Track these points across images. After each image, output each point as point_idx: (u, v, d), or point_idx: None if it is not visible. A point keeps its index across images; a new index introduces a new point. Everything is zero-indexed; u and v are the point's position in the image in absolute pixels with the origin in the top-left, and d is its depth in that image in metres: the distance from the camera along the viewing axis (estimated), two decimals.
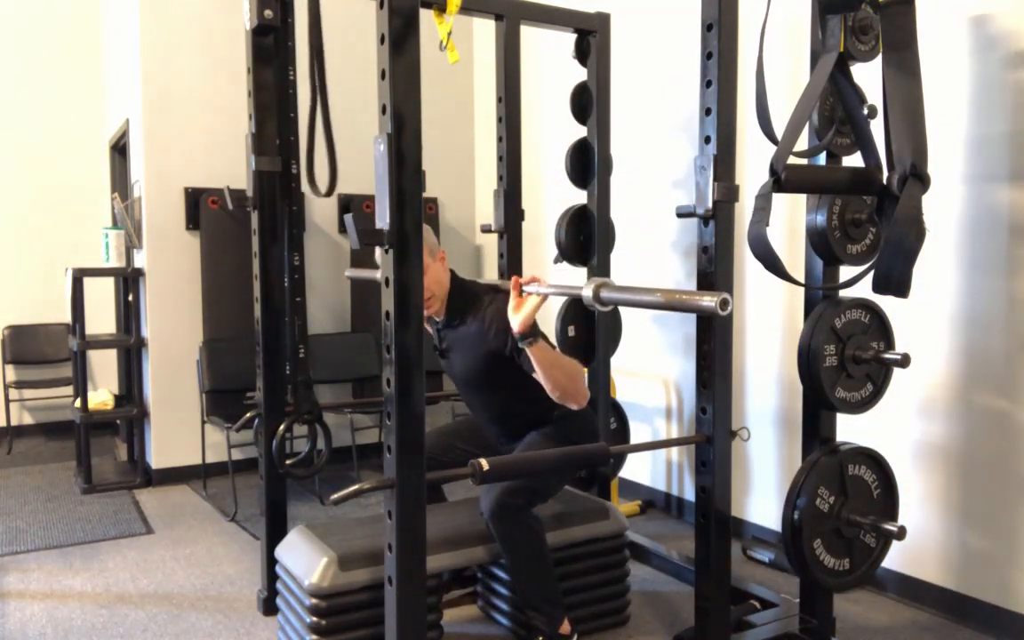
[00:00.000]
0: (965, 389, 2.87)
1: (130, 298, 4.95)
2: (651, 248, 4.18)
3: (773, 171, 2.06)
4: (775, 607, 2.80)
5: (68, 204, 6.24)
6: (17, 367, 6.14)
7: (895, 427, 3.07)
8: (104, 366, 6.29)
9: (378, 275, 2.08)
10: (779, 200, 3.35)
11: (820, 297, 2.48)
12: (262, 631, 2.89)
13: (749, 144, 3.51)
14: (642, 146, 4.23)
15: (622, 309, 3.80)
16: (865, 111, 2.24)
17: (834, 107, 2.42)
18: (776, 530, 3.52)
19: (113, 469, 5.12)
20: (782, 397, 3.55)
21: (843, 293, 2.43)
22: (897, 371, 2.52)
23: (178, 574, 3.41)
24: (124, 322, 5.58)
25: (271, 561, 2.87)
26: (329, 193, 2.53)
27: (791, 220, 3.40)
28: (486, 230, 3.61)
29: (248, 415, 3.08)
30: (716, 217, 2.33)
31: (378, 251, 2.27)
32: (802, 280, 2.56)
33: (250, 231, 3.06)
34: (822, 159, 2.50)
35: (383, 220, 1.99)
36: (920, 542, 3.00)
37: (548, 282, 2.33)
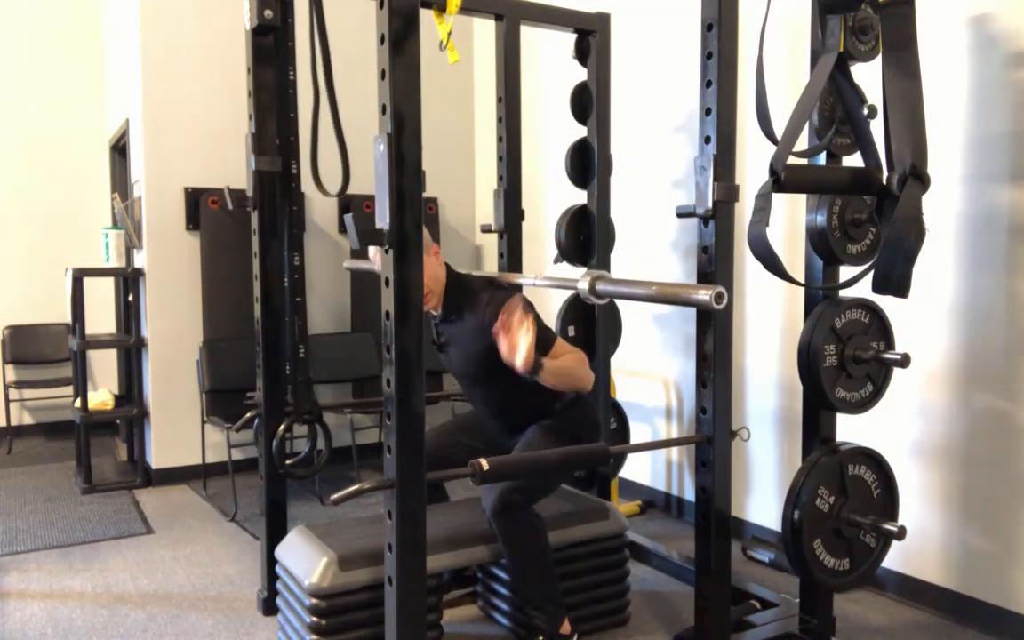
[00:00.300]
0: (965, 389, 2.87)
1: (130, 298, 4.95)
2: (651, 248, 4.18)
3: (773, 171, 2.06)
4: (775, 607, 2.80)
5: (68, 204, 6.24)
6: (17, 367, 6.14)
7: (895, 427, 3.07)
8: (104, 366, 6.29)
9: (377, 266, 2.08)
10: (779, 200, 3.35)
11: (820, 297, 2.48)
12: (262, 631, 2.89)
13: (749, 144, 3.51)
14: (642, 146, 4.23)
15: (622, 309, 3.80)
16: (865, 111, 2.24)
17: (834, 107, 2.42)
18: (776, 530, 3.52)
19: (113, 469, 5.12)
20: (782, 397, 3.55)
21: (843, 293, 2.43)
22: (897, 371, 2.52)
23: (178, 574, 3.41)
24: (124, 322, 5.58)
25: (271, 561, 2.87)
26: (341, 193, 2.53)
27: (791, 220, 3.40)
28: (486, 230, 3.61)
29: (248, 415, 3.08)
30: (716, 217, 2.33)
31: (371, 249, 2.28)
32: (802, 280, 2.56)
33: (250, 231, 3.06)
34: (822, 159, 2.50)
35: (383, 220, 1.99)
36: (920, 542, 3.00)
37: (531, 317, 2.31)
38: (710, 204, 2.31)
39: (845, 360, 2.39)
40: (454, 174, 5.67)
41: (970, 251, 2.84)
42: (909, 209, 1.99)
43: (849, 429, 2.99)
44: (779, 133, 2.11)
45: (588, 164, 3.44)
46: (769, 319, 3.58)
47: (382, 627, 2.18)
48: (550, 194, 4.83)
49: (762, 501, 3.67)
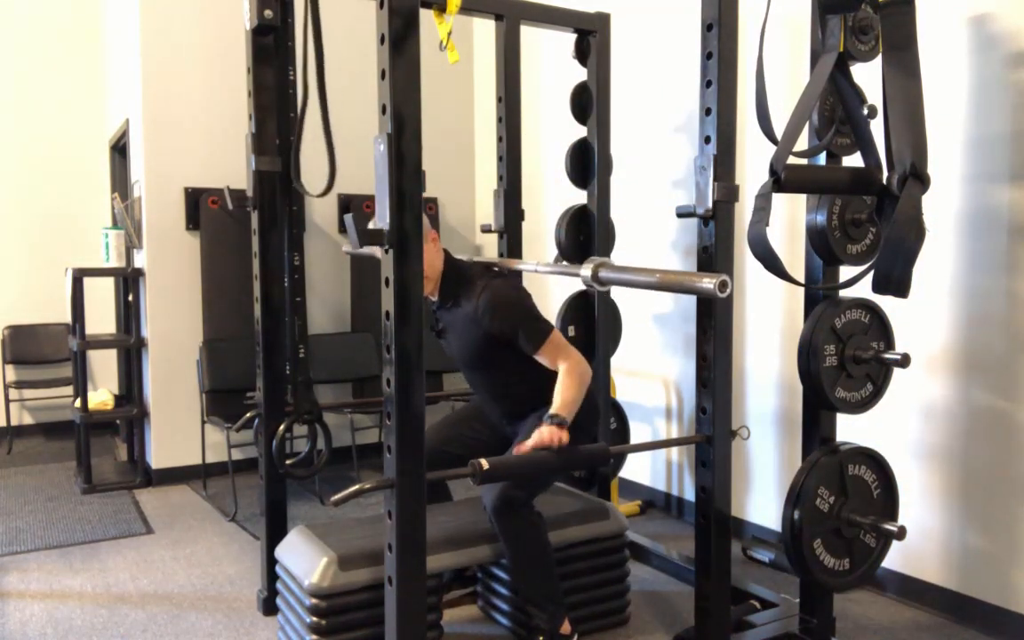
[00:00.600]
0: (965, 389, 2.87)
1: (130, 298, 4.95)
2: (651, 248, 4.18)
3: (773, 171, 2.06)
4: (775, 607, 2.80)
5: (68, 204, 6.24)
6: (17, 367, 6.14)
7: (895, 427, 3.07)
8: (104, 366, 6.29)
9: (378, 252, 2.07)
10: (779, 200, 3.35)
11: (820, 297, 2.48)
12: (262, 631, 2.89)
13: (749, 144, 3.51)
14: (642, 146, 4.23)
15: (622, 309, 3.80)
16: (865, 111, 2.24)
17: (834, 107, 2.42)
18: (776, 530, 3.52)
19: (113, 469, 5.12)
20: (782, 397, 3.55)
21: (843, 293, 2.43)
22: (897, 371, 2.52)
23: (178, 574, 3.41)
24: (124, 322, 5.59)
25: (271, 561, 2.87)
26: (324, 193, 2.53)
27: (791, 220, 3.40)
28: (486, 230, 3.61)
29: (248, 415, 3.08)
30: (716, 217, 2.33)
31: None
32: (802, 280, 2.56)
33: (250, 231, 3.06)
34: (822, 159, 2.50)
35: (383, 220, 1.99)
36: (920, 542, 3.00)
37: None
38: (710, 204, 2.31)
39: (845, 360, 2.39)
40: (454, 174, 5.67)
41: (970, 251, 2.84)
42: (909, 209, 1.98)
43: (849, 429, 2.99)
44: (779, 133, 2.11)
45: (588, 164, 3.44)
46: (769, 319, 3.58)
47: (382, 627, 2.18)
48: (550, 194, 4.83)
49: (762, 501, 3.67)
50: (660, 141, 4.12)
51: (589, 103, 3.42)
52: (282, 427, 2.98)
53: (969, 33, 2.82)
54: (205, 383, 4.59)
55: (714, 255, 2.36)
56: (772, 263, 2.08)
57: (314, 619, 2.39)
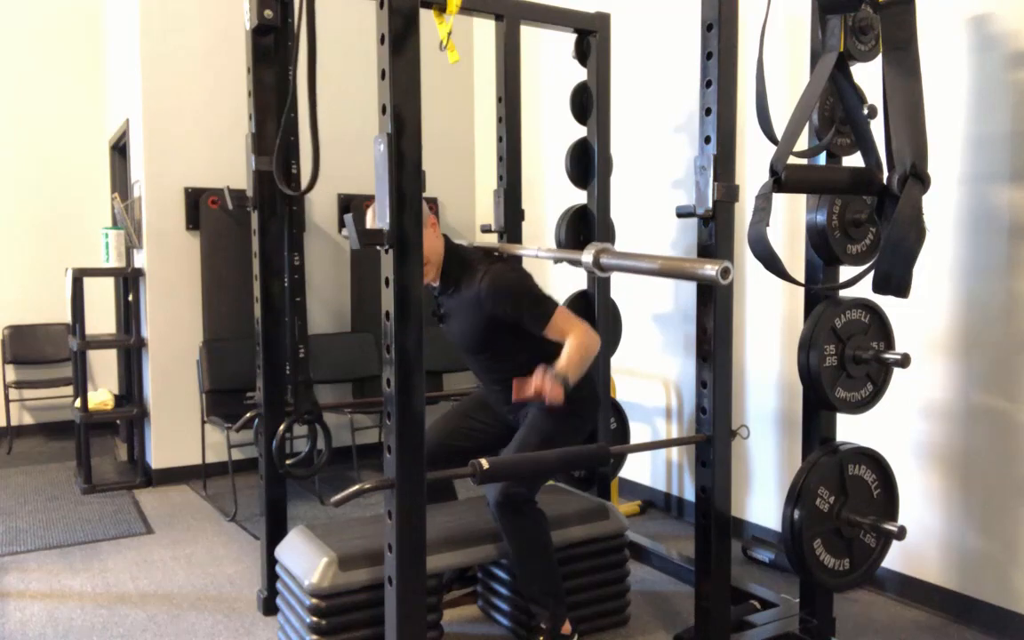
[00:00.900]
0: (965, 389, 2.87)
1: (130, 298, 4.95)
2: (651, 248, 4.18)
3: (773, 171, 2.06)
4: (775, 607, 2.80)
5: (68, 204, 6.24)
6: (17, 367, 6.14)
7: (895, 427, 3.07)
8: (104, 366, 6.30)
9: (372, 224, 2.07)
10: (779, 200, 3.36)
11: (820, 297, 2.48)
12: (262, 631, 2.89)
13: (749, 144, 3.51)
14: (642, 146, 4.23)
15: (622, 309, 3.80)
16: (865, 111, 2.24)
17: (834, 107, 2.42)
18: (776, 530, 3.52)
19: (113, 469, 5.12)
20: (782, 397, 3.55)
21: (843, 293, 2.43)
22: (897, 371, 2.52)
23: (178, 574, 3.41)
24: (124, 322, 5.59)
25: (271, 561, 2.87)
26: (307, 190, 2.52)
27: (791, 220, 3.40)
28: (486, 230, 3.61)
29: (248, 415, 3.07)
30: (716, 217, 2.33)
31: (369, 215, 2.27)
32: (802, 280, 2.56)
33: (250, 231, 3.06)
34: (822, 159, 2.50)
35: (383, 220, 1.99)
36: (920, 542, 3.00)
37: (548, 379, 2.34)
38: (710, 204, 2.31)
39: (845, 360, 2.39)
40: (454, 174, 5.67)
41: (970, 251, 2.84)
42: (909, 209, 1.99)
43: (849, 429, 2.99)
44: (779, 133, 2.11)
45: (588, 164, 3.44)
46: (769, 319, 3.58)
47: (382, 627, 2.18)
48: (550, 194, 4.83)
49: (762, 501, 3.67)
50: (660, 141, 4.12)
51: (589, 103, 3.42)
52: (282, 427, 2.98)
53: (969, 33, 2.82)
54: (205, 383, 4.59)
55: (714, 255, 2.36)
56: (772, 263, 2.08)
57: (314, 619, 2.39)
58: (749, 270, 3.60)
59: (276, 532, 2.98)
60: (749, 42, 3.01)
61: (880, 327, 2.46)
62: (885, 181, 2.08)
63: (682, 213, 2.42)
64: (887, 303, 2.33)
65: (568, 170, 3.48)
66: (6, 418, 6.06)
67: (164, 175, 4.71)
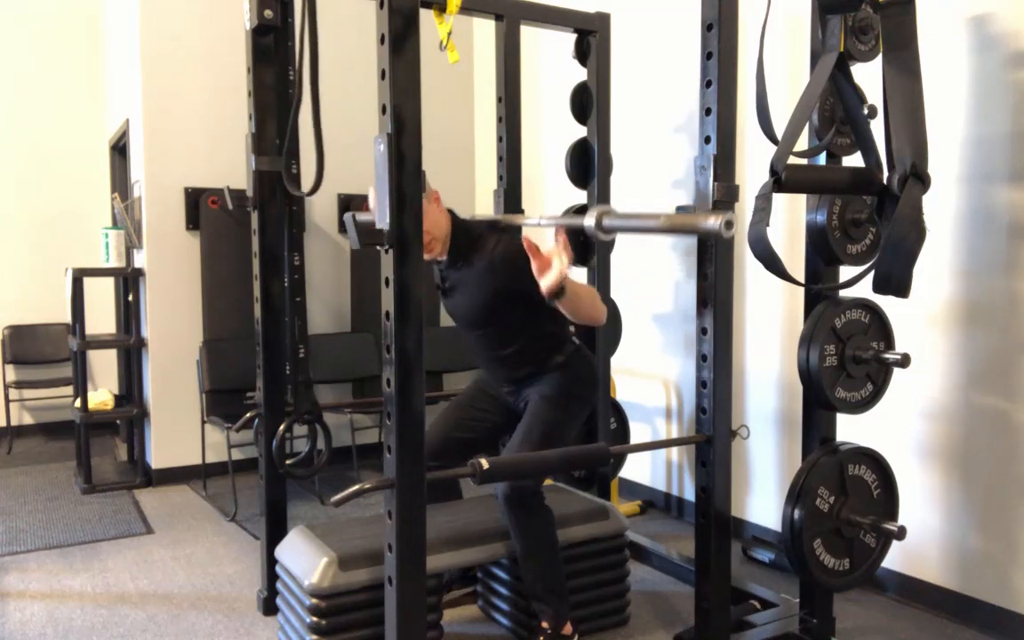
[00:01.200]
0: (965, 389, 2.87)
1: (130, 298, 4.95)
2: (651, 248, 4.18)
3: (773, 171, 2.06)
4: (775, 607, 2.80)
5: (68, 204, 6.24)
6: (17, 367, 6.14)
7: (895, 427, 3.07)
8: (104, 366, 6.29)
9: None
10: (779, 200, 3.36)
11: (820, 297, 2.48)
12: (262, 631, 2.89)
13: (749, 144, 3.51)
14: (642, 146, 4.23)
15: (622, 309, 3.81)
16: (865, 111, 2.24)
17: (834, 107, 2.42)
18: (776, 530, 3.52)
19: (113, 469, 5.12)
20: (782, 397, 3.55)
21: (843, 293, 2.43)
22: (897, 371, 2.52)
23: (178, 574, 3.41)
24: (124, 322, 5.59)
25: (271, 561, 2.87)
26: (313, 191, 2.52)
27: (791, 220, 3.40)
28: None
29: (248, 415, 3.07)
30: None
31: (370, 195, 2.25)
32: (802, 280, 2.56)
33: (250, 231, 3.06)
34: (822, 159, 2.50)
35: (383, 220, 1.99)
36: (920, 542, 3.00)
37: (560, 240, 2.24)
38: (710, 204, 2.32)
39: (845, 360, 2.39)
40: (454, 174, 5.67)
41: (970, 251, 2.84)
42: (909, 209, 1.99)
43: (849, 429, 2.99)
44: (779, 133, 2.11)
45: (588, 164, 3.44)
46: (769, 319, 3.58)
47: (382, 627, 2.18)
48: (550, 194, 4.83)
49: (762, 501, 3.67)
50: (660, 141, 4.12)
51: (589, 103, 3.42)
52: (282, 427, 2.98)
53: (969, 33, 2.82)
54: (205, 383, 4.59)
55: (714, 255, 2.36)
56: (772, 263, 2.08)
57: (314, 619, 2.39)
58: (749, 270, 3.60)
59: (276, 532, 2.98)
60: (749, 42, 3.01)
61: (880, 327, 2.46)
62: (885, 181, 2.08)
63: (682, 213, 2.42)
64: (887, 303, 2.33)
65: (568, 170, 3.48)
66: (6, 418, 6.06)
67: (164, 175, 4.71)
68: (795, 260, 3.08)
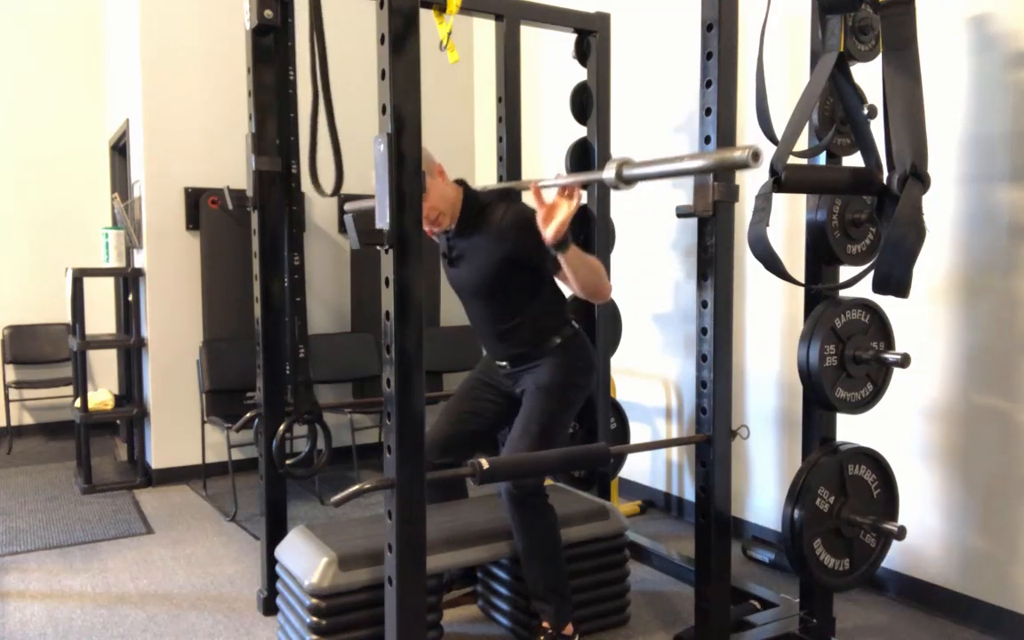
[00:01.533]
0: (965, 389, 2.87)
1: (130, 298, 4.95)
2: (651, 248, 4.18)
3: (773, 171, 2.06)
4: (775, 607, 2.80)
5: (68, 204, 6.24)
6: (17, 367, 6.14)
7: (895, 427, 3.07)
8: (104, 366, 6.29)
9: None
10: (779, 200, 3.36)
11: (820, 297, 2.48)
12: (262, 631, 2.89)
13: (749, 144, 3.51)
14: (642, 146, 4.23)
15: (622, 310, 3.80)
16: (865, 111, 2.24)
17: (834, 107, 2.42)
18: (776, 530, 3.52)
19: (113, 469, 5.12)
20: (782, 397, 3.55)
21: (843, 293, 2.43)
22: (897, 371, 2.52)
23: (178, 574, 3.41)
24: (124, 322, 5.59)
25: (271, 561, 2.87)
26: (334, 193, 2.53)
27: (791, 220, 3.40)
28: None
29: (248, 415, 3.07)
30: (716, 217, 2.33)
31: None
32: (802, 280, 2.56)
33: (250, 231, 3.06)
34: (822, 159, 2.50)
35: (383, 220, 1.99)
36: (920, 542, 3.00)
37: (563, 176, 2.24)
38: (710, 204, 2.31)
39: (845, 360, 2.39)
40: (454, 174, 5.63)
41: (970, 251, 2.84)
42: (909, 209, 1.99)
43: (849, 429, 2.99)
44: (779, 133, 2.11)
45: (588, 164, 3.44)
46: (769, 319, 3.58)
47: (382, 627, 2.18)
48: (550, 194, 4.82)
49: (762, 501, 3.67)
50: (660, 141, 4.12)
51: (589, 103, 3.42)
52: (282, 427, 2.98)
53: (969, 33, 2.82)
54: (205, 383, 4.59)
55: (714, 255, 2.36)
56: (772, 263, 2.08)
57: (314, 619, 2.39)
58: (749, 270, 3.60)
59: (276, 532, 2.98)
60: (749, 42, 3.01)
61: (880, 327, 2.45)
62: (885, 181, 2.08)
63: (682, 213, 2.43)
64: (887, 303, 2.33)
65: (568, 170, 3.49)
66: (6, 418, 6.06)
67: (164, 175, 4.71)
68: (795, 260, 3.08)
